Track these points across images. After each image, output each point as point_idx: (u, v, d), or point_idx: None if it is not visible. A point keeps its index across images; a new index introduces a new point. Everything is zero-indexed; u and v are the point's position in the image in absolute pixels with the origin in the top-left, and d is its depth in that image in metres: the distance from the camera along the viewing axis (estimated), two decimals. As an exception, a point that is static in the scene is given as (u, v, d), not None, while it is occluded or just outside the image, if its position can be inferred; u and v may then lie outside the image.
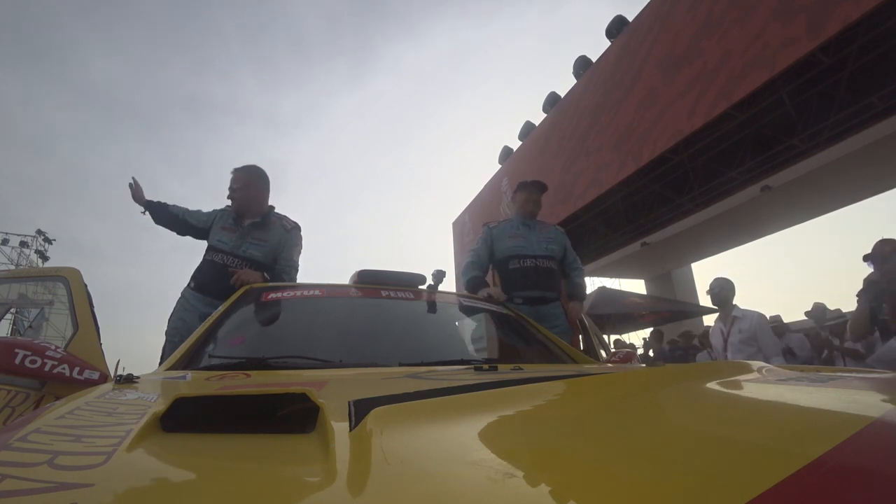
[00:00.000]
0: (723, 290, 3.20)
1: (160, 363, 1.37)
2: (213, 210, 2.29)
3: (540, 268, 2.33)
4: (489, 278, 2.52)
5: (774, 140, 6.41)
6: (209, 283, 2.06)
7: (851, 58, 5.29)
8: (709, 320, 7.46)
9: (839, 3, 4.33)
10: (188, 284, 2.16)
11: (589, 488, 0.31)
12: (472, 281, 2.37)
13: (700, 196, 7.40)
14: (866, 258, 2.52)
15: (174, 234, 2.31)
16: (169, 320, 2.09)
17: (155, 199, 2.32)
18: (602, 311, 7.12)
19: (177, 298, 2.17)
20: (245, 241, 2.15)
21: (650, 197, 8.32)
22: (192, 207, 2.33)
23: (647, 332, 8.13)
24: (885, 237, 2.46)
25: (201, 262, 2.18)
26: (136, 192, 2.30)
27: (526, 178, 2.66)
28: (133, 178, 2.31)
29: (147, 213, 2.28)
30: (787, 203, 6.86)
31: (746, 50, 5.20)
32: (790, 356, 3.82)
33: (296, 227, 2.30)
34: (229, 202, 2.24)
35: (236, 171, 2.23)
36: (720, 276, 3.29)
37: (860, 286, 2.94)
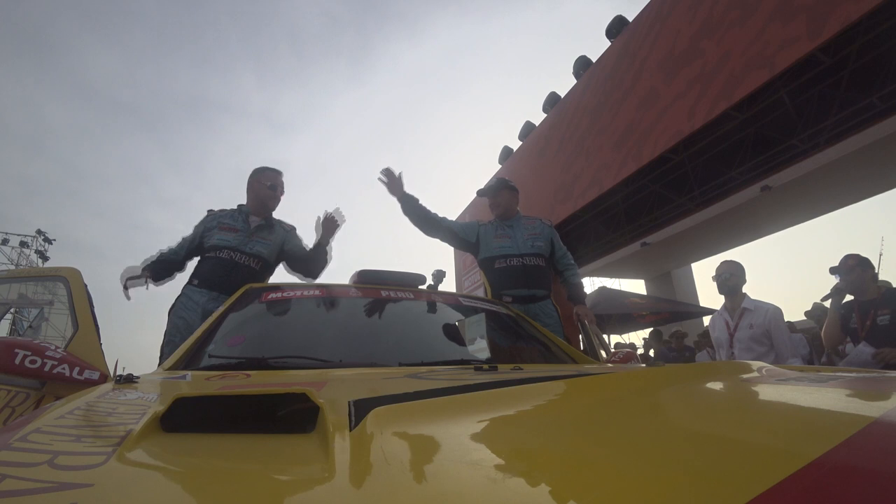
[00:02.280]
0: (733, 277, 2.76)
1: (159, 362, 1.37)
2: (199, 223, 2.28)
3: (527, 266, 2.29)
4: (481, 278, 2.50)
5: (774, 140, 6.40)
6: (216, 279, 2.07)
7: (851, 58, 5.29)
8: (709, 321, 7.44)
9: (839, 3, 4.32)
10: (189, 282, 2.15)
11: (589, 488, 0.31)
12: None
13: (700, 196, 7.40)
14: (833, 270, 2.73)
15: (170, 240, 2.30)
16: (169, 319, 2.07)
17: (155, 256, 2.19)
18: (602, 311, 7.13)
19: (175, 296, 2.15)
20: (251, 239, 2.20)
21: (650, 197, 8.32)
22: (187, 208, 2.36)
23: (647, 333, 8.14)
24: (851, 253, 2.71)
25: (203, 261, 2.18)
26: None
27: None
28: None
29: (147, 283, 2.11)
30: (787, 203, 6.85)
31: (746, 50, 5.20)
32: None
33: (294, 228, 2.41)
34: (271, 199, 2.30)
35: (280, 175, 2.35)
36: (729, 259, 2.86)
37: None
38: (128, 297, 2.08)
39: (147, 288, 2.11)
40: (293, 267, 2.35)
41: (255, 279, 2.16)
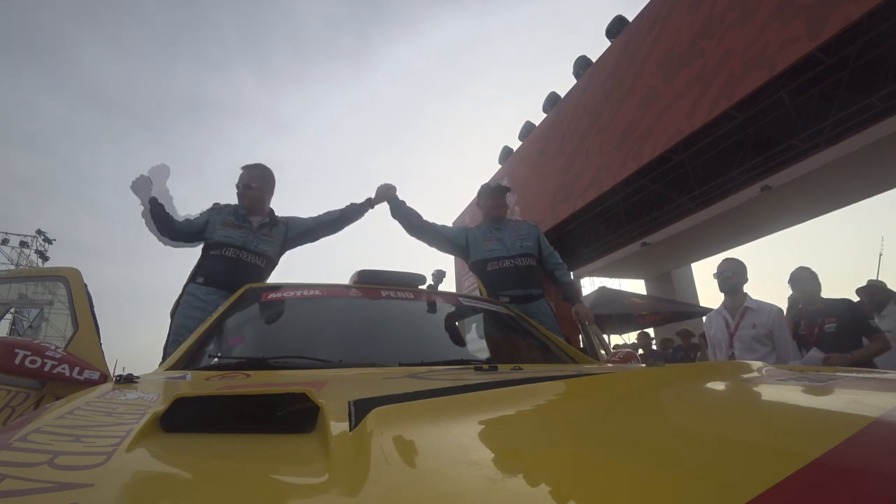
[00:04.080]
0: (734, 275, 2.71)
1: (162, 362, 1.37)
2: (205, 211, 2.26)
3: (519, 266, 2.32)
4: (476, 281, 2.53)
5: (774, 140, 6.40)
6: (222, 277, 2.06)
7: (851, 58, 5.29)
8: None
9: (839, 3, 4.32)
10: (194, 280, 2.11)
11: (589, 488, 0.31)
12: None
13: (700, 196, 7.40)
14: (789, 281, 2.96)
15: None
16: (173, 319, 2.04)
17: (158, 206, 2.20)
18: (602, 311, 7.12)
19: (177, 296, 2.13)
20: (256, 237, 2.21)
21: (650, 197, 8.32)
22: (186, 209, 2.32)
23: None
24: (802, 265, 2.92)
25: (207, 259, 2.15)
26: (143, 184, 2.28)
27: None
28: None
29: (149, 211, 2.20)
30: (787, 203, 6.85)
31: (746, 50, 5.20)
32: None
33: (289, 217, 2.43)
34: (242, 197, 2.26)
35: (252, 169, 2.30)
36: (731, 257, 2.84)
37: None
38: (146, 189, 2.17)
39: (143, 213, 2.16)
40: (314, 238, 2.42)
41: (260, 277, 2.16)
